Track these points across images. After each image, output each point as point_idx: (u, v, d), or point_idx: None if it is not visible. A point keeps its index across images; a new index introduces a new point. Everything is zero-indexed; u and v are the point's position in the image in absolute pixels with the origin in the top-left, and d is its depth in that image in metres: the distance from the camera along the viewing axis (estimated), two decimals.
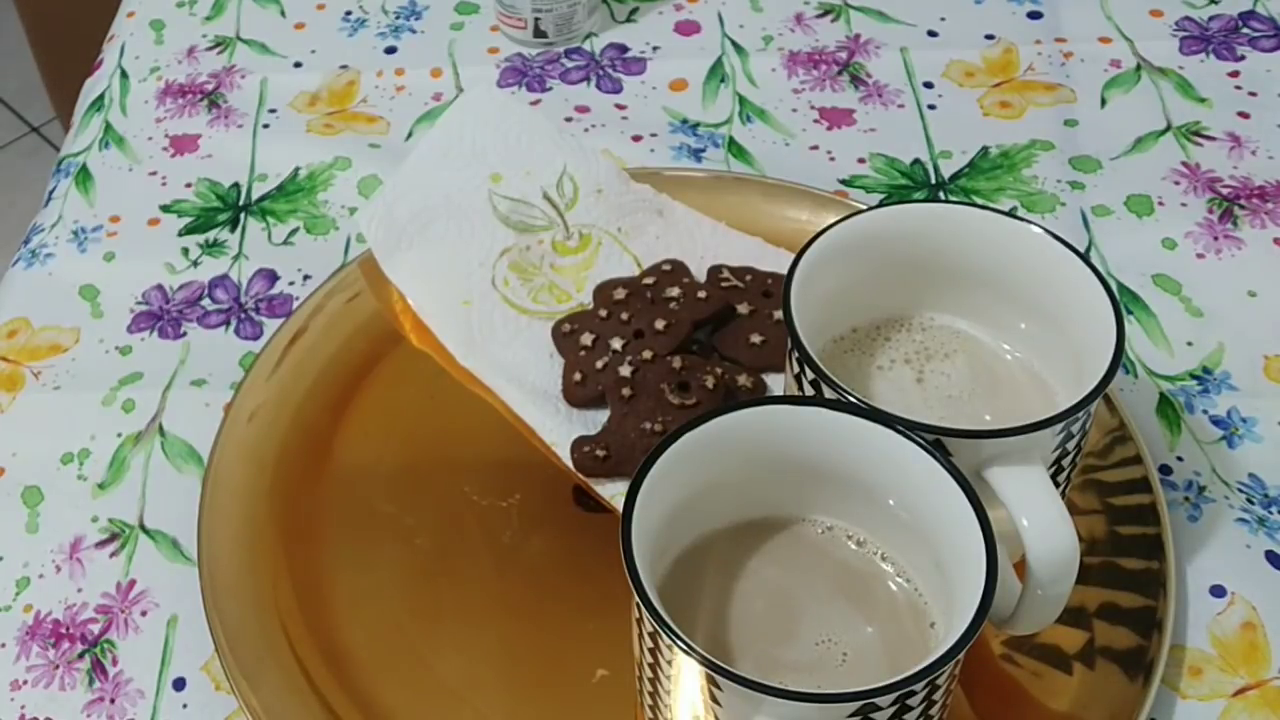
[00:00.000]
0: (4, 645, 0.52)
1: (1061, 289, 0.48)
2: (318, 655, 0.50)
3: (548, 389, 0.57)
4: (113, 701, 0.50)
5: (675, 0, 0.79)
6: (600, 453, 0.53)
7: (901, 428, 0.42)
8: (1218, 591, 0.51)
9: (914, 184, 0.67)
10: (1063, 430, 0.43)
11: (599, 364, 0.56)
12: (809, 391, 0.45)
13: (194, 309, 0.63)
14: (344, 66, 0.76)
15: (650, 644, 0.40)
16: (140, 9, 0.81)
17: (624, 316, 0.57)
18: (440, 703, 0.48)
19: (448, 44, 0.77)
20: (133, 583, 0.53)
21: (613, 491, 0.53)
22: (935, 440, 0.42)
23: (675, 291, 0.57)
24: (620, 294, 0.58)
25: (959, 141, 0.69)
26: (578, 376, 0.56)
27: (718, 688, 0.38)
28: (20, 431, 0.59)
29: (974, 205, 0.65)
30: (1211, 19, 0.76)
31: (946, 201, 0.65)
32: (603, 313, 0.58)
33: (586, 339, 0.57)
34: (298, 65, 0.76)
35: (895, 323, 0.52)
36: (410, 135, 0.71)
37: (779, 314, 0.52)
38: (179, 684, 0.50)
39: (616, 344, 0.56)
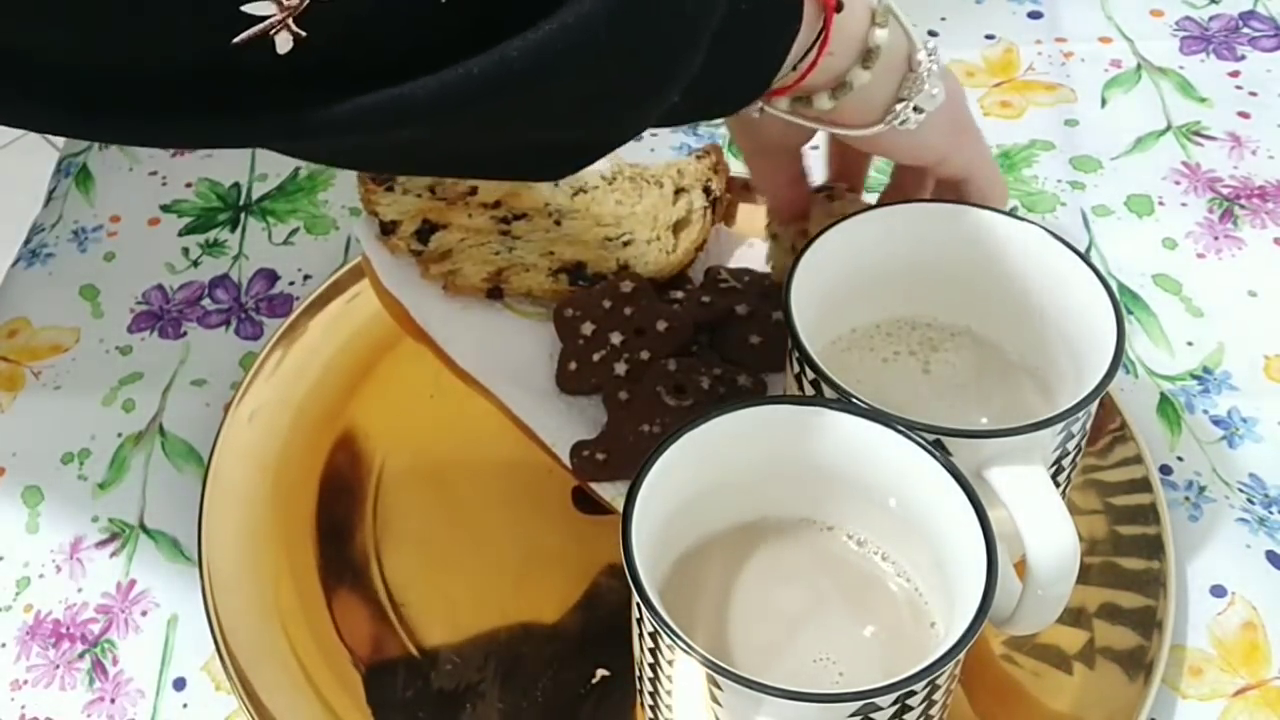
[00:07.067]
0: (4, 645, 0.52)
1: (1061, 289, 0.48)
2: (318, 655, 0.50)
3: (548, 389, 0.56)
4: (113, 701, 0.50)
5: None
6: (600, 456, 0.52)
7: (902, 428, 0.42)
8: (1218, 591, 0.51)
9: None
10: (1063, 430, 0.43)
11: (595, 357, 0.55)
12: (809, 391, 0.45)
13: (194, 309, 0.63)
14: None
15: (650, 644, 0.40)
16: None
17: (627, 311, 0.57)
18: (440, 703, 0.48)
19: None
20: (133, 582, 0.53)
21: (613, 492, 0.53)
22: (935, 440, 0.42)
23: (679, 294, 0.57)
24: (627, 286, 0.57)
25: None
26: (572, 365, 0.55)
27: (718, 688, 0.38)
28: (20, 431, 0.58)
29: (974, 205, 0.64)
30: (1212, 19, 0.76)
31: (947, 201, 0.65)
32: (606, 303, 0.57)
33: (587, 328, 0.56)
34: None
35: (895, 322, 0.52)
36: None
37: (779, 314, 0.52)
38: (179, 684, 0.50)
39: (615, 339, 0.56)
